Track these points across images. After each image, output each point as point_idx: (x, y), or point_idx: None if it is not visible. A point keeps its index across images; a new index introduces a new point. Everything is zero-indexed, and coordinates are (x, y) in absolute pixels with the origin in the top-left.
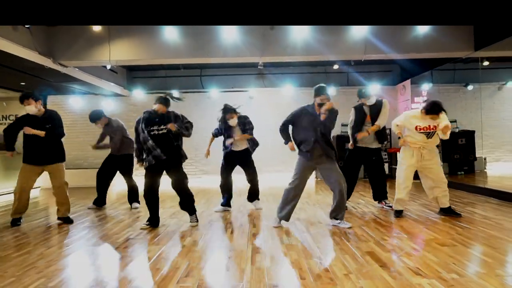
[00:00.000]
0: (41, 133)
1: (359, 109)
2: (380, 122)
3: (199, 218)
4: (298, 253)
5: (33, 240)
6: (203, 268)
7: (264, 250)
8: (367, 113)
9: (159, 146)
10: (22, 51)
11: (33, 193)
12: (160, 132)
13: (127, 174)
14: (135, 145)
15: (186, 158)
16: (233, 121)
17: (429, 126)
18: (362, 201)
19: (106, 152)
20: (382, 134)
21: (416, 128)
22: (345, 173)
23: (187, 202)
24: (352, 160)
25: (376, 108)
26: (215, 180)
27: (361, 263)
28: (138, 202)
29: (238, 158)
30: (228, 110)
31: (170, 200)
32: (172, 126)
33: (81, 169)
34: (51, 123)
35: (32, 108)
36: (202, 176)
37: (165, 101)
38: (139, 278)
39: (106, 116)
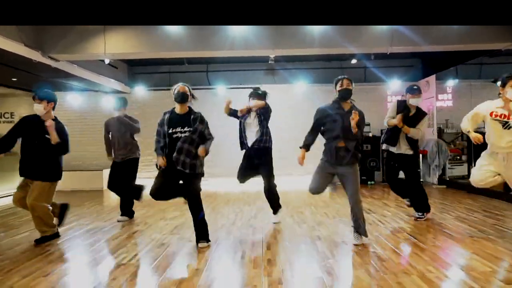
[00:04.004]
0: (55, 138)
1: (403, 104)
2: (414, 132)
3: None
4: None
5: (8, 265)
6: None
7: (282, 287)
8: (410, 111)
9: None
10: (6, 42)
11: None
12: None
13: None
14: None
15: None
16: (253, 103)
17: (509, 113)
18: (388, 212)
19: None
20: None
21: (491, 114)
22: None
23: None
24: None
25: (417, 115)
26: (223, 184)
27: None
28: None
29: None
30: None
31: (172, 209)
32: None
33: (79, 171)
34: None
35: (40, 108)
36: (209, 179)
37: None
38: None
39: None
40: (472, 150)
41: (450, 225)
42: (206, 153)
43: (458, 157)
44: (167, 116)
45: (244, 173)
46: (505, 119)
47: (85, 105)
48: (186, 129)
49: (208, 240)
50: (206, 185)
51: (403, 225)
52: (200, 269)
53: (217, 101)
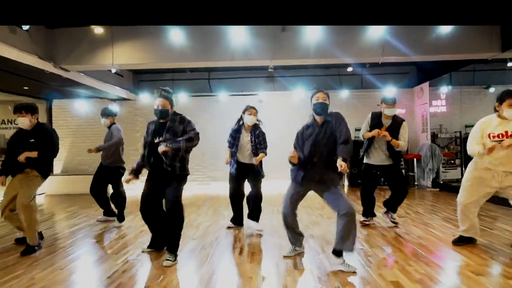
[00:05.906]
0: (33, 154)
1: (377, 116)
2: (403, 145)
3: (205, 232)
4: (314, 282)
5: (26, 259)
6: None
7: (275, 278)
8: (383, 124)
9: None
10: (20, 55)
11: (37, 200)
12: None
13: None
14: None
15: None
16: (251, 119)
17: (506, 132)
18: (379, 214)
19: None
20: (397, 154)
21: (489, 136)
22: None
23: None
24: (365, 177)
25: (395, 125)
26: (224, 187)
27: None
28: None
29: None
30: (250, 107)
31: None
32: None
33: (86, 175)
34: (36, 138)
35: (26, 121)
36: (211, 182)
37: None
38: None
39: (114, 117)
40: (463, 155)
41: (436, 225)
42: (174, 149)
43: (452, 161)
44: (152, 126)
45: (237, 186)
46: (502, 138)
47: (92, 111)
48: (167, 136)
49: (176, 256)
50: (208, 189)
51: (391, 225)
52: (202, 263)
53: (218, 108)
